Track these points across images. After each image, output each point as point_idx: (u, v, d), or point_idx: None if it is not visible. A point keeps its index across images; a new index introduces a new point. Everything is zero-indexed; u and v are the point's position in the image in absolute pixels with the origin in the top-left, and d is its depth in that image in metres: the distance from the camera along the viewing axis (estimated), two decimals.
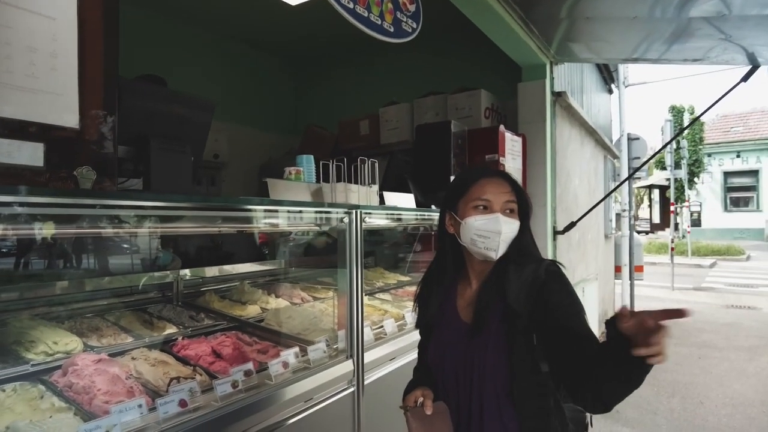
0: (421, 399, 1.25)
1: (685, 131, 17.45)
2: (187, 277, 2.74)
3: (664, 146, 5.51)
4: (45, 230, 1.57)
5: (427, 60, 4.68)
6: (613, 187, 6.96)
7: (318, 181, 2.36)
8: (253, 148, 4.97)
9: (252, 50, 5.20)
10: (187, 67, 4.34)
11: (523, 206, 1.34)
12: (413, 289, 3.39)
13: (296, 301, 2.76)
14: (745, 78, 3.34)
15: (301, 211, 2.01)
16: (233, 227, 2.36)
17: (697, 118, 4.11)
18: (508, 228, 1.28)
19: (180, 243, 3.24)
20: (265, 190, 1.99)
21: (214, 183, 4.64)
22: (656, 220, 25.33)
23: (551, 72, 4.27)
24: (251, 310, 2.49)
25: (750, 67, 3.37)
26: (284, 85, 5.65)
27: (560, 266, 1.25)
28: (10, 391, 1.48)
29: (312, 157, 2.46)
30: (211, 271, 2.92)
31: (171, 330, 2.15)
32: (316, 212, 2.07)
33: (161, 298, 2.60)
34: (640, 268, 7.65)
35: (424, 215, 2.86)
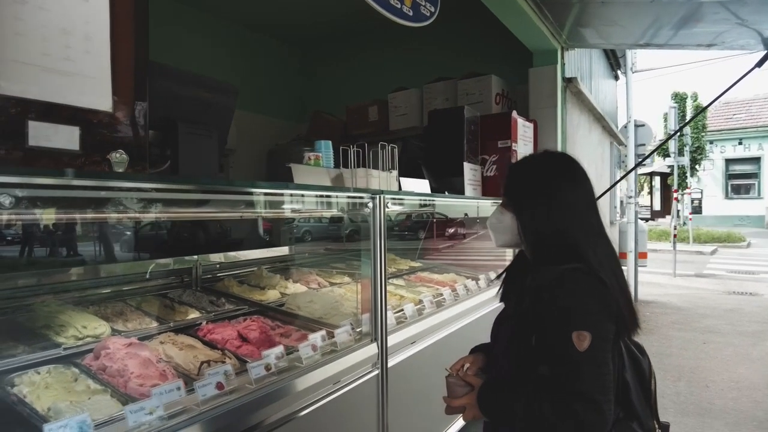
0: (467, 366, 1.33)
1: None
2: (204, 263, 2.75)
3: (672, 135, 5.49)
4: (71, 215, 1.57)
5: (435, 45, 4.62)
6: (618, 173, 6.97)
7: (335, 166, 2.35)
8: (260, 134, 4.94)
9: (259, 35, 5.15)
10: (193, 52, 4.30)
11: (512, 197, 1.30)
12: (426, 275, 3.43)
13: (313, 286, 2.77)
14: (760, 63, 3.31)
15: (327, 196, 2.02)
16: (255, 213, 2.37)
17: (707, 106, 4.09)
18: (491, 219, 1.35)
19: (198, 228, 3.24)
20: (273, 177, 1.98)
21: (222, 169, 4.62)
22: (657, 207, 25.35)
23: (562, 57, 4.24)
24: (271, 295, 2.51)
25: (765, 52, 3.35)
26: (291, 70, 5.60)
27: (576, 272, 1.12)
28: (45, 374, 1.49)
29: (330, 142, 2.46)
30: (228, 257, 2.93)
31: (194, 315, 2.16)
32: (341, 197, 2.07)
33: (180, 283, 2.61)
34: (644, 255, 7.68)
35: (442, 201, 2.87)
